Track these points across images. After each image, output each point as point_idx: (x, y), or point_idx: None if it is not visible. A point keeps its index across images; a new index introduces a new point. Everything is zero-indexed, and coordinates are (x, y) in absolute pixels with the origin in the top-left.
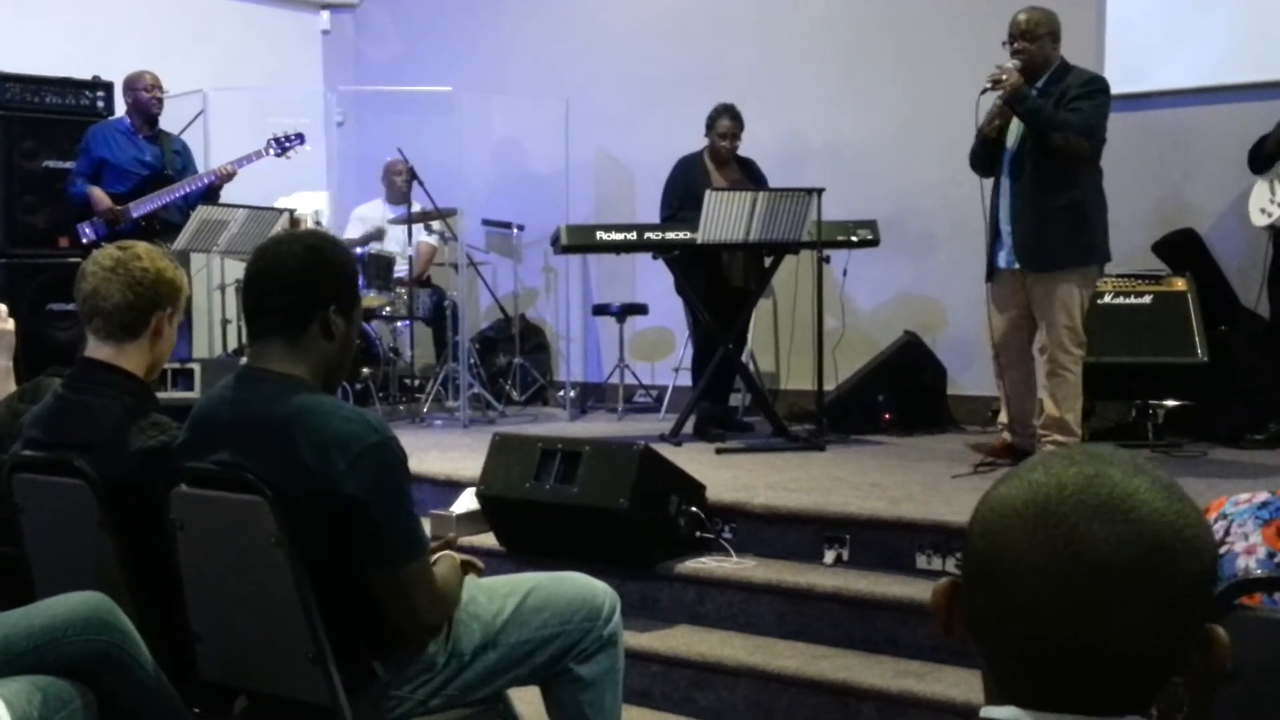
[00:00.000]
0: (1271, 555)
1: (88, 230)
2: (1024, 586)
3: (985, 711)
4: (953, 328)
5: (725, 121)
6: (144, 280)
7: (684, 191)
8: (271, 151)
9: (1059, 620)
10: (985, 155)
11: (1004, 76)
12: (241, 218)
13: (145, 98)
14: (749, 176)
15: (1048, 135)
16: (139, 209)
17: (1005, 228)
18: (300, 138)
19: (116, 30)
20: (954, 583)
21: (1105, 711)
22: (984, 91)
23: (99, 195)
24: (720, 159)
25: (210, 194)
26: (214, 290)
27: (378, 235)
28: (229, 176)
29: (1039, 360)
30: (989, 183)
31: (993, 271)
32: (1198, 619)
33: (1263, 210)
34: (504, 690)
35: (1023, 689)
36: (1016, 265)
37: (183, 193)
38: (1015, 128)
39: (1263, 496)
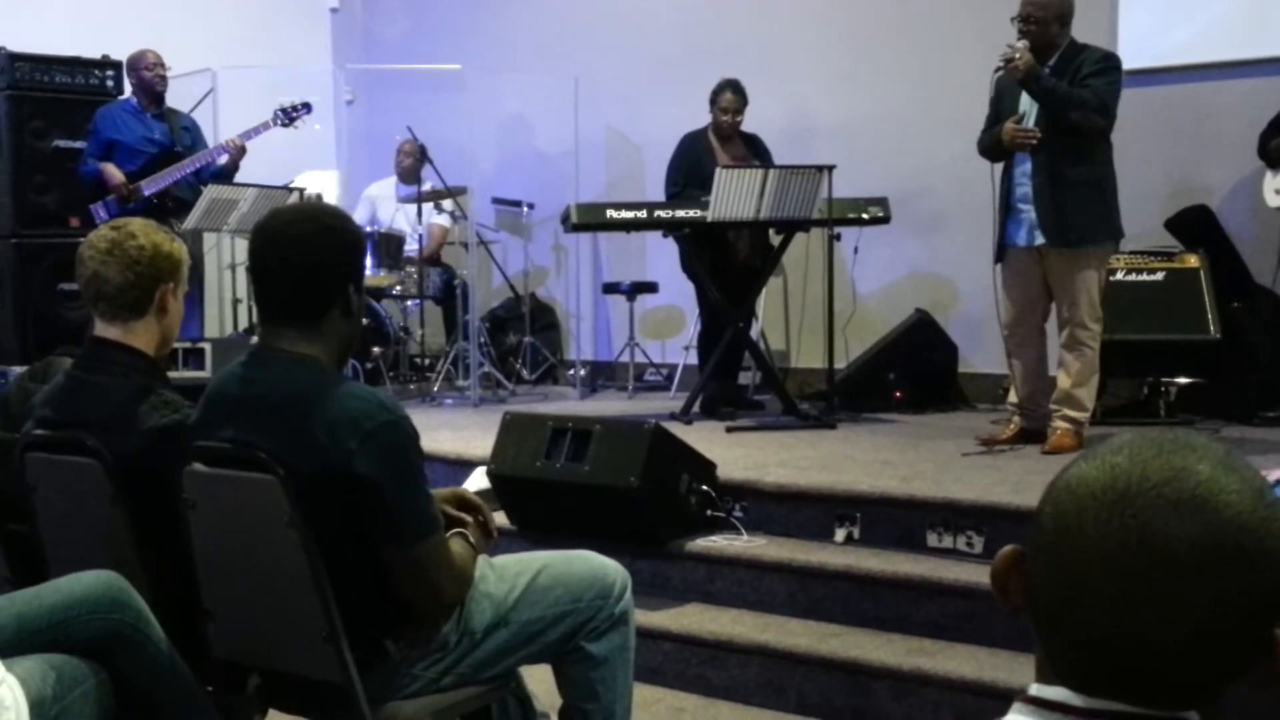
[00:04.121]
0: None
1: (101, 211)
2: (1089, 572)
3: (1034, 689)
4: (964, 305)
5: (728, 95)
6: (141, 258)
7: (689, 168)
8: (279, 122)
9: (1121, 610)
10: (996, 145)
11: (1017, 55)
12: (251, 196)
13: (148, 76)
14: (754, 152)
15: (1064, 113)
16: (151, 186)
17: (1024, 206)
18: (307, 106)
19: (126, 9)
20: (1019, 552)
21: (1159, 705)
22: (997, 71)
23: (111, 170)
24: (723, 134)
25: (227, 173)
26: (224, 269)
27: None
28: (241, 150)
29: (1053, 338)
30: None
31: (1003, 251)
32: (1266, 627)
33: (1277, 191)
34: (516, 668)
35: (1075, 671)
36: (1036, 242)
37: (194, 168)
38: (1032, 105)
39: (1276, 474)
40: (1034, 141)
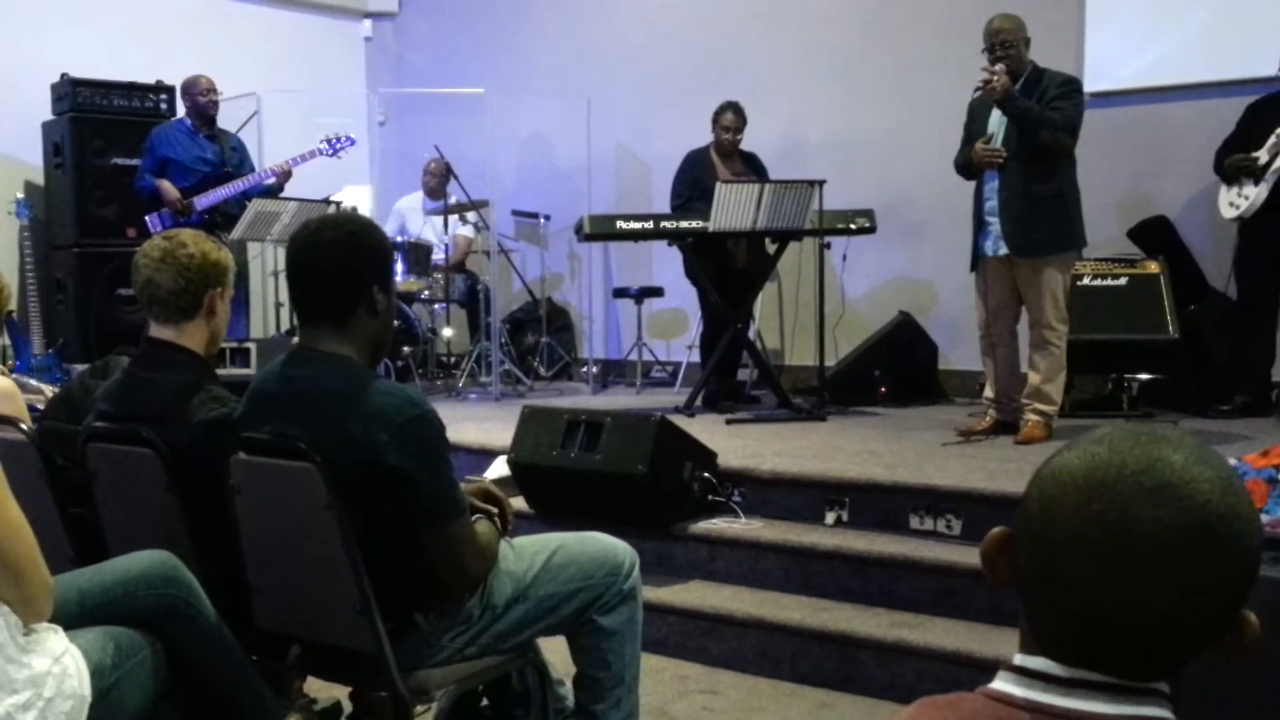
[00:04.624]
0: None
1: (156, 223)
2: (1072, 554)
3: (1019, 659)
4: (943, 308)
5: (729, 116)
6: (191, 265)
7: (692, 182)
8: (324, 152)
9: (1100, 591)
10: (968, 164)
11: (995, 80)
12: (292, 209)
13: (202, 100)
14: (751, 168)
15: (1036, 133)
16: (203, 202)
17: (991, 219)
18: (350, 139)
19: (178, 38)
20: (1007, 533)
21: (1133, 675)
22: (976, 92)
23: (168, 187)
24: (724, 152)
25: (274, 193)
26: (268, 276)
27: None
28: (288, 175)
29: (1024, 339)
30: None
31: (977, 260)
32: (1233, 605)
33: (1231, 204)
34: (534, 639)
35: (1057, 644)
36: (1003, 252)
37: (244, 188)
38: (999, 126)
39: (1230, 463)
40: (1000, 160)
